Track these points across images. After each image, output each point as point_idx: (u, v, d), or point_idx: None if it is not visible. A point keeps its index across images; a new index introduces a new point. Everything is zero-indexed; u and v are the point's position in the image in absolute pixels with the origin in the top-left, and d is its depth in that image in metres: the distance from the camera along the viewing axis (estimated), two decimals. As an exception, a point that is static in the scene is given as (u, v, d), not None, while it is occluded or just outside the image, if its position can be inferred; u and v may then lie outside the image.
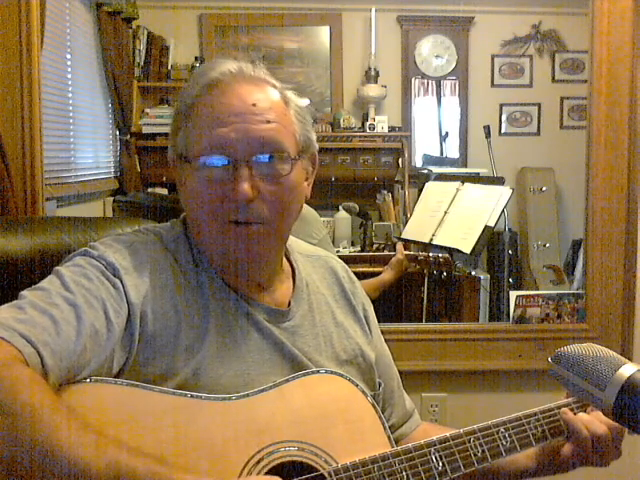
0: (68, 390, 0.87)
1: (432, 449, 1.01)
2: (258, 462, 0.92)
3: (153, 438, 0.87)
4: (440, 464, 1.00)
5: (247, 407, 0.96)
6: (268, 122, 1.03)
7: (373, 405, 1.07)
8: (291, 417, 0.99)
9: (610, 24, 1.95)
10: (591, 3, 1.97)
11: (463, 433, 1.05)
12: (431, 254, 2.61)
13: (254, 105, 1.02)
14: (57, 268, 0.98)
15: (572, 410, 1.16)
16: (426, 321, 2.74)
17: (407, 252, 2.64)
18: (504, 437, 1.08)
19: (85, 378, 0.89)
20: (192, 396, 0.94)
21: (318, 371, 1.06)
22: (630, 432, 0.93)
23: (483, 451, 1.05)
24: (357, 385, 1.07)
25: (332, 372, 1.07)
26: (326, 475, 0.94)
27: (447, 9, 4.42)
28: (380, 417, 1.07)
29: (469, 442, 1.05)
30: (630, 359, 0.93)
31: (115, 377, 0.94)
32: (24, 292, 0.93)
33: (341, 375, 1.07)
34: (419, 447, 1.01)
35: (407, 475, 0.97)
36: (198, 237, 1.08)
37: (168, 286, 1.01)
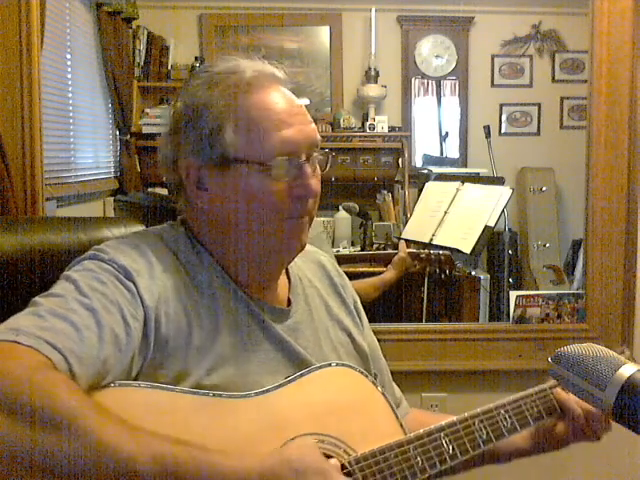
0: (95, 396, 0.87)
1: (442, 434, 1.05)
2: None
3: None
4: (450, 447, 1.05)
5: (267, 403, 0.98)
6: (312, 122, 1.08)
7: (383, 394, 1.10)
8: (309, 410, 1.01)
9: (610, 24, 1.94)
10: (591, 3, 1.96)
11: (468, 417, 1.10)
12: (432, 251, 2.59)
13: (300, 106, 1.08)
14: (67, 273, 0.97)
15: (564, 389, 1.19)
16: (426, 321, 2.73)
17: (409, 250, 2.61)
18: (504, 418, 1.13)
19: (110, 383, 0.89)
20: (214, 395, 0.95)
21: (330, 364, 1.08)
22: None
23: (487, 433, 1.10)
24: (367, 376, 1.10)
25: (343, 364, 1.10)
26: (347, 465, 0.96)
27: (447, 9, 4.42)
28: (391, 405, 1.10)
29: (474, 425, 1.09)
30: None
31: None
32: (37, 299, 0.92)
33: (351, 367, 1.10)
34: (430, 432, 1.05)
35: (421, 460, 1.01)
36: (223, 236, 1.07)
37: (177, 287, 1.01)
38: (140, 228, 1.36)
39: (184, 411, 0.92)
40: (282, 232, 1.06)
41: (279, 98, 1.05)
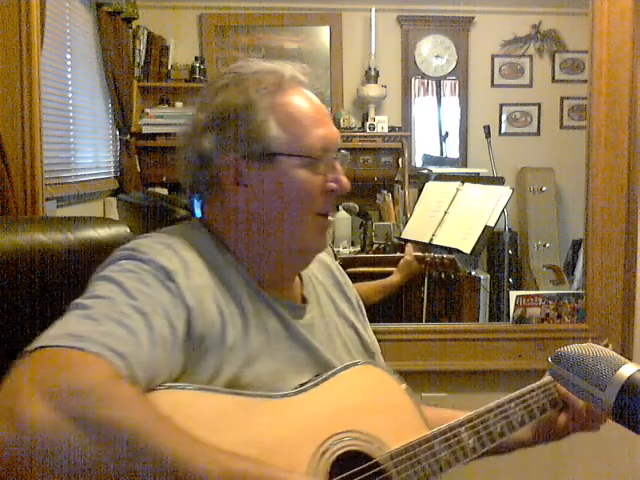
0: None
1: (462, 428, 1.11)
2: (323, 454, 0.97)
3: (230, 440, 0.88)
4: (471, 441, 1.11)
5: (304, 402, 1.02)
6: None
7: (407, 390, 1.14)
8: (342, 408, 1.05)
9: (610, 24, 1.94)
10: (591, 3, 1.96)
11: (484, 411, 1.16)
12: (436, 255, 2.55)
13: (325, 108, 1.15)
14: (107, 274, 0.97)
15: None
16: (426, 321, 2.73)
17: (415, 253, 2.53)
18: (515, 412, 1.19)
19: (157, 385, 0.90)
20: (256, 395, 0.97)
21: (357, 363, 1.12)
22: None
23: (501, 426, 1.16)
24: (392, 374, 1.14)
25: (368, 363, 1.15)
26: (381, 461, 1.01)
27: (447, 9, 4.42)
28: (414, 401, 1.14)
29: (489, 419, 1.15)
30: (630, 359, 0.93)
31: (174, 381, 0.95)
32: (84, 301, 0.91)
33: (376, 365, 1.16)
34: (452, 427, 1.10)
35: (446, 455, 1.07)
36: (246, 235, 1.09)
37: (209, 286, 1.02)
38: (125, 229, 1.37)
39: (229, 413, 0.93)
40: (311, 229, 1.10)
41: (312, 98, 1.13)
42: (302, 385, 1.04)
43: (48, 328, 0.86)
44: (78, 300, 0.92)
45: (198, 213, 1.15)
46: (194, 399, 0.92)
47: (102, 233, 1.32)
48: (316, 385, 1.04)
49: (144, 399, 0.82)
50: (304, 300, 1.18)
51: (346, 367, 1.10)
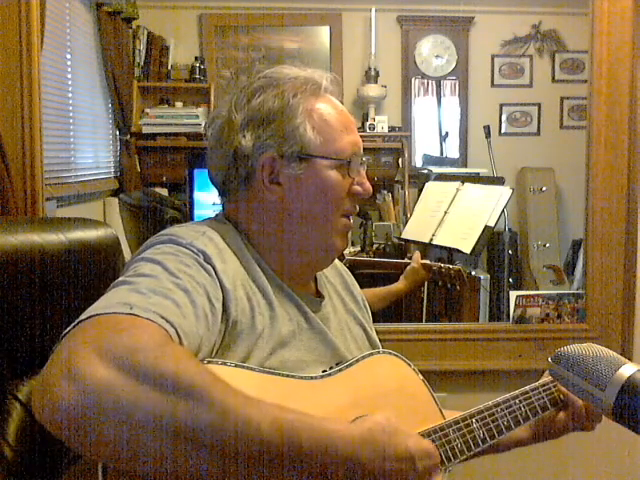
0: None
1: (473, 419, 1.17)
2: None
3: None
4: (481, 432, 1.16)
5: (331, 385, 1.07)
6: None
7: (423, 381, 1.21)
8: (367, 393, 1.10)
9: (610, 24, 1.94)
10: (591, 3, 1.96)
11: (492, 405, 1.21)
12: (443, 265, 2.50)
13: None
14: (148, 256, 1.00)
15: None
16: (426, 321, 2.73)
17: (423, 261, 2.43)
18: (519, 408, 1.24)
19: (201, 360, 0.94)
20: (288, 375, 1.02)
21: (379, 352, 1.18)
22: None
23: (508, 420, 1.22)
24: (410, 365, 1.20)
25: (389, 353, 1.19)
26: None
27: (447, 9, 4.42)
28: (430, 391, 1.21)
29: (497, 413, 1.21)
30: (630, 359, 0.93)
31: None
32: (129, 279, 0.93)
33: (396, 355, 1.19)
34: (464, 418, 1.16)
35: (460, 443, 1.13)
36: (280, 232, 1.14)
37: (240, 274, 1.07)
38: (111, 230, 1.38)
39: (267, 389, 0.98)
40: (336, 228, 1.16)
41: (342, 107, 1.20)
42: (325, 371, 1.09)
43: (95, 302, 0.88)
44: (121, 279, 0.95)
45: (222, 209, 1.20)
46: (234, 374, 0.95)
47: (91, 235, 1.34)
48: (340, 371, 1.09)
49: (195, 358, 0.86)
50: (319, 295, 1.22)
51: (369, 355, 1.15)
